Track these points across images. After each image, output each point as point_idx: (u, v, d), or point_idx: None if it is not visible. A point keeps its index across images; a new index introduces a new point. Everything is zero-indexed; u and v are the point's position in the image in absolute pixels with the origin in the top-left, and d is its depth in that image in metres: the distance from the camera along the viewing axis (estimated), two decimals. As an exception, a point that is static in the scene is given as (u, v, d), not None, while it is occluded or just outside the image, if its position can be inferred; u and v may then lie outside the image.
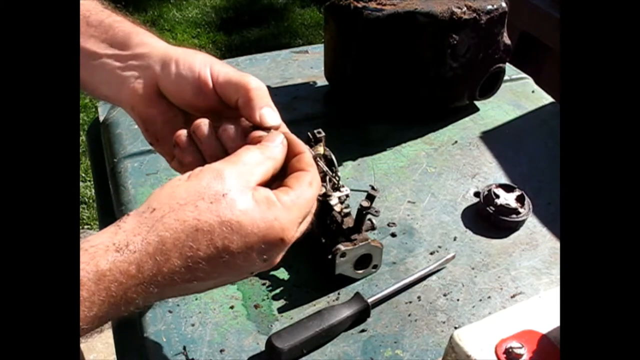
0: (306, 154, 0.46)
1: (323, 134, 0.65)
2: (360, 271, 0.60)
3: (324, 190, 0.59)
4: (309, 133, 0.66)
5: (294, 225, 0.41)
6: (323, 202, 0.58)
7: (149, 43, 0.50)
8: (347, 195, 0.60)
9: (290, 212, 0.41)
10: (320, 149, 0.65)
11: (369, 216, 0.58)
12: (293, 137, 0.47)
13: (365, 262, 0.60)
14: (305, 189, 0.43)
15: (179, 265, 0.36)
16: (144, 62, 0.50)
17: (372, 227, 0.60)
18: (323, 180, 0.61)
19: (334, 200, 0.58)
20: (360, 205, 0.57)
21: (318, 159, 0.61)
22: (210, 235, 0.37)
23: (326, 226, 0.59)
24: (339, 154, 0.64)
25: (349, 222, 0.59)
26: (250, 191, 0.40)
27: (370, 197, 0.57)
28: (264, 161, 0.43)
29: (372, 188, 0.57)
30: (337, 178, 0.60)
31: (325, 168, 0.62)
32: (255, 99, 0.46)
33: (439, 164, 0.77)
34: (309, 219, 0.45)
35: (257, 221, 0.38)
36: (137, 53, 0.50)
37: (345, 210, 0.59)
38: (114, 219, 0.69)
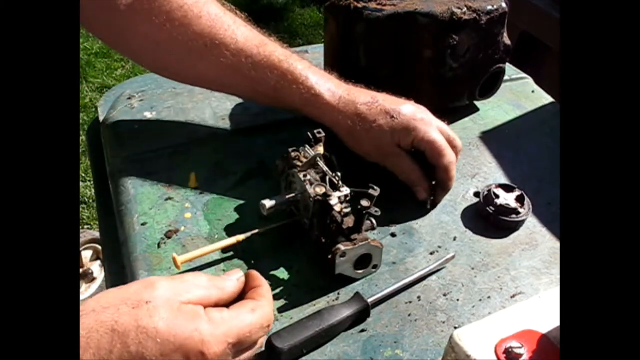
0: (263, 288, 0.46)
1: (323, 134, 0.65)
2: (360, 271, 0.60)
3: (324, 190, 0.59)
4: (308, 133, 0.66)
5: (218, 341, 0.39)
6: (323, 202, 0.58)
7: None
8: (346, 195, 0.60)
9: (216, 327, 0.40)
10: (320, 149, 0.65)
11: (368, 216, 0.58)
12: (255, 273, 0.48)
13: (365, 262, 0.60)
14: (244, 312, 0.43)
15: None
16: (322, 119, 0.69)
17: (372, 227, 0.60)
18: (323, 180, 0.61)
19: (334, 200, 0.58)
20: (360, 205, 0.57)
21: (318, 158, 0.62)
22: (125, 339, 0.36)
23: (326, 226, 0.59)
24: (339, 154, 0.64)
25: (349, 222, 0.59)
26: (178, 303, 0.39)
27: (370, 197, 0.57)
28: (208, 287, 0.43)
29: (372, 188, 0.57)
30: (337, 178, 0.60)
31: (325, 168, 0.62)
32: None
33: (439, 164, 0.77)
34: (249, 351, 0.44)
35: (175, 329, 0.37)
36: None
37: (345, 210, 0.59)
38: (114, 219, 0.69)
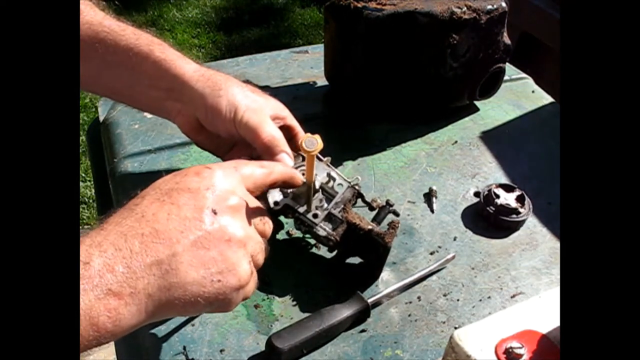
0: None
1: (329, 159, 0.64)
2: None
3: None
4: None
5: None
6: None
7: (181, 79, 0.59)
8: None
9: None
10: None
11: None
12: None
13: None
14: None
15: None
16: (183, 98, 0.59)
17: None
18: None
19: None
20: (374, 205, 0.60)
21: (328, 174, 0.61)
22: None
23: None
24: (339, 154, 0.64)
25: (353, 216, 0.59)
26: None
27: (361, 195, 0.58)
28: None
29: (357, 184, 0.60)
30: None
31: (329, 171, 0.61)
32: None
33: (439, 164, 0.77)
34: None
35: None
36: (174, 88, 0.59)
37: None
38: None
